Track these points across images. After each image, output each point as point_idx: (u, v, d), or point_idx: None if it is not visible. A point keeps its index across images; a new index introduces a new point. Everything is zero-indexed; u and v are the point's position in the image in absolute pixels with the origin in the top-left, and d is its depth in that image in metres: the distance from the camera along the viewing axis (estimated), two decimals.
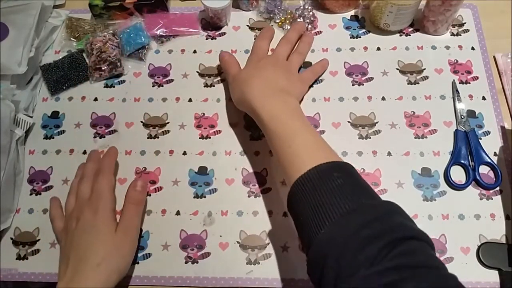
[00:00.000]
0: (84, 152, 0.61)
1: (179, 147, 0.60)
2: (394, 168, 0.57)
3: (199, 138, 0.61)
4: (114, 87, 0.66)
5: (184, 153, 0.60)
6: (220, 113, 0.62)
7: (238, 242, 0.54)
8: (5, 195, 0.56)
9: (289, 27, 0.67)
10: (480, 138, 0.58)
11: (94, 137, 0.62)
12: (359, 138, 0.59)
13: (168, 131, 0.62)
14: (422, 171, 0.57)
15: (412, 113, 0.60)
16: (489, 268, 0.51)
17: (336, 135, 0.60)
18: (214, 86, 0.65)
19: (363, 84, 0.63)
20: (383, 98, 0.62)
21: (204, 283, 0.52)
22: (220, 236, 0.55)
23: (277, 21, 0.69)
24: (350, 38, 0.67)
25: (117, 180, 0.59)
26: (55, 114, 0.64)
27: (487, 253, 0.51)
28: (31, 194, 0.59)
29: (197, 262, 0.53)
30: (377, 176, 0.57)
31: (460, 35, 0.66)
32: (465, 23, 0.67)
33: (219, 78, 0.65)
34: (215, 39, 0.69)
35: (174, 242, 0.55)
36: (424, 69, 0.63)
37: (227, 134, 0.61)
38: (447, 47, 0.65)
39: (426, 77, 0.63)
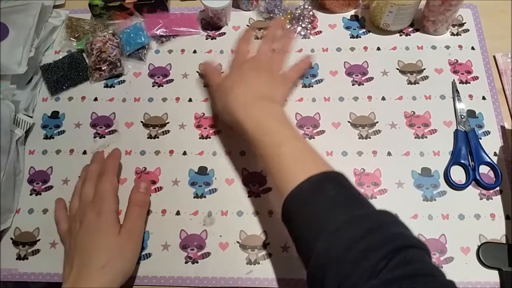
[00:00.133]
0: (84, 152, 0.61)
1: (179, 147, 0.60)
2: (394, 168, 0.57)
3: (199, 138, 0.61)
4: (114, 87, 0.66)
5: (184, 153, 0.60)
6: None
7: (238, 242, 0.54)
8: (5, 195, 0.56)
9: (289, 26, 0.67)
10: (480, 138, 0.58)
11: (94, 137, 0.62)
12: (359, 138, 0.59)
13: (168, 131, 0.62)
14: (422, 171, 0.57)
15: (412, 113, 0.60)
16: (489, 268, 0.51)
17: (336, 135, 0.60)
18: None
19: (363, 84, 0.63)
20: (383, 98, 0.62)
21: (204, 283, 0.52)
22: (220, 236, 0.55)
23: None
24: (350, 38, 0.67)
25: None
26: (55, 114, 0.64)
27: (487, 253, 0.51)
28: (31, 194, 0.59)
29: (197, 262, 0.53)
30: (377, 176, 0.57)
31: (460, 35, 0.66)
32: (465, 23, 0.66)
33: None
34: (215, 39, 0.69)
35: (174, 242, 0.55)
36: (424, 69, 0.63)
37: (227, 134, 0.61)
38: (447, 47, 0.65)
39: (426, 77, 0.63)
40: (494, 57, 0.63)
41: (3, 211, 0.55)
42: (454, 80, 0.62)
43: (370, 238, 0.37)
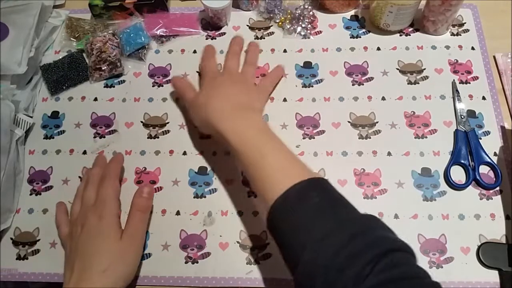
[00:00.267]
0: (84, 152, 0.61)
1: (179, 147, 0.60)
2: (394, 168, 0.57)
3: (199, 138, 0.61)
4: (114, 87, 0.66)
5: (184, 153, 0.60)
6: None
7: (238, 242, 0.54)
8: (5, 195, 0.56)
9: (289, 26, 0.67)
10: (480, 138, 0.58)
11: (94, 137, 0.62)
12: (359, 138, 0.59)
13: (168, 131, 0.62)
14: (422, 171, 0.57)
15: (412, 113, 0.60)
16: (489, 268, 0.51)
17: (336, 135, 0.60)
18: None
19: (363, 84, 0.63)
20: (383, 98, 0.62)
21: (204, 283, 0.52)
22: (220, 236, 0.55)
23: (277, 21, 0.69)
24: (350, 38, 0.67)
25: None
26: (55, 114, 0.64)
27: (487, 253, 0.51)
28: (31, 194, 0.59)
29: (197, 262, 0.53)
30: (377, 176, 0.57)
31: (460, 35, 0.66)
32: (465, 23, 0.66)
33: None
34: (215, 39, 0.69)
35: (174, 242, 0.55)
36: (424, 69, 0.63)
37: None
38: (447, 47, 0.65)
39: (426, 77, 0.63)
40: (494, 57, 0.63)
41: (3, 211, 0.55)
42: (454, 80, 0.62)
43: (355, 244, 0.37)
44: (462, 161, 0.56)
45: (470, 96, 0.61)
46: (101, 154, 0.60)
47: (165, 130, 0.62)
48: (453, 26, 0.66)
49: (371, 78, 0.63)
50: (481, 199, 0.55)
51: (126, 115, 0.63)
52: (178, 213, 0.56)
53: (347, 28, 0.68)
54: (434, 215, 0.54)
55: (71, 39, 0.68)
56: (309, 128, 0.60)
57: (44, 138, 0.63)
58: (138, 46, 0.66)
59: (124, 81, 0.66)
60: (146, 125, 0.62)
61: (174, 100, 0.64)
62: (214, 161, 0.59)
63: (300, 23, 0.67)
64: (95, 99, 0.65)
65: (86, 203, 0.52)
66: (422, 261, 0.51)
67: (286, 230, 0.42)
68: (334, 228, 0.39)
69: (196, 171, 0.59)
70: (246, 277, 0.52)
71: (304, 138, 0.60)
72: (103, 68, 0.65)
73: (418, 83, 0.62)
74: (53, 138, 0.63)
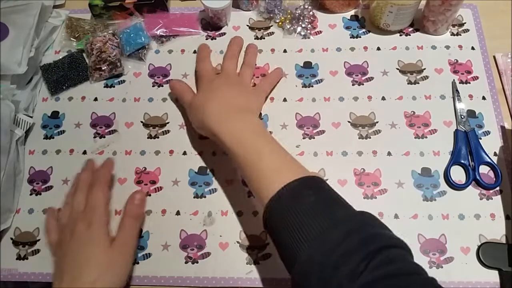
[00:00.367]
0: (84, 152, 0.61)
1: (179, 147, 0.60)
2: (394, 168, 0.57)
3: (199, 138, 0.61)
4: (114, 87, 0.66)
5: (184, 153, 0.60)
6: None
7: (238, 242, 0.54)
8: (5, 195, 0.56)
9: (289, 26, 0.67)
10: (480, 138, 0.58)
11: (94, 137, 0.62)
12: (359, 138, 0.59)
13: (168, 131, 0.62)
14: (422, 171, 0.57)
15: (412, 113, 0.60)
16: (489, 268, 0.51)
17: (336, 135, 0.60)
18: None
19: (363, 84, 0.63)
20: (383, 98, 0.62)
21: (204, 283, 0.52)
22: (220, 236, 0.55)
23: (277, 21, 0.69)
24: (350, 38, 0.67)
25: (117, 180, 0.59)
26: (55, 114, 0.64)
27: (487, 253, 0.51)
28: (31, 194, 0.59)
29: (197, 262, 0.53)
30: (377, 176, 0.57)
31: (460, 35, 0.66)
32: (465, 23, 0.67)
33: None
34: (215, 39, 0.69)
35: (174, 242, 0.55)
36: (424, 69, 0.63)
37: None
38: (447, 47, 0.65)
39: (426, 77, 0.63)
40: (494, 57, 0.63)
41: (3, 211, 0.55)
42: (454, 80, 0.62)
43: (350, 241, 0.38)
44: (462, 161, 0.56)
45: (470, 96, 0.61)
46: (91, 160, 0.59)
47: (165, 130, 0.62)
48: (453, 26, 0.66)
49: (371, 78, 0.63)
50: (481, 199, 0.55)
51: (126, 115, 0.63)
52: (178, 213, 0.56)
53: (347, 28, 0.68)
54: (434, 215, 0.54)
55: (71, 39, 0.68)
56: (309, 128, 0.60)
57: (44, 138, 0.63)
58: (138, 46, 0.66)
59: (124, 81, 0.66)
60: (146, 125, 0.62)
61: (174, 100, 0.64)
62: (214, 161, 0.59)
63: (300, 23, 0.67)
64: (95, 99, 0.65)
65: (76, 209, 0.51)
66: (422, 261, 0.51)
67: (282, 229, 0.42)
68: (330, 226, 0.39)
69: (196, 171, 0.59)
70: (246, 277, 0.52)
71: (304, 138, 0.60)
72: (103, 68, 0.65)
73: (418, 83, 0.62)
74: (53, 138, 0.63)
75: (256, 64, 0.65)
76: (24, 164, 0.61)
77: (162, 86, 0.65)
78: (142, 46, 0.66)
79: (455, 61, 0.63)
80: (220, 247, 0.54)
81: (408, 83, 0.62)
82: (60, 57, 0.67)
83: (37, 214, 0.58)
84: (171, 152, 0.60)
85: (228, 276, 0.53)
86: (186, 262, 0.54)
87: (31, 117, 0.64)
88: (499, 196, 0.55)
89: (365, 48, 0.66)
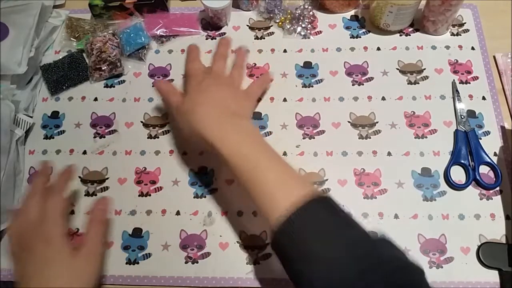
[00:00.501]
0: (84, 152, 0.61)
1: (179, 147, 0.60)
2: (394, 168, 0.57)
3: None
4: (114, 87, 0.66)
5: (184, 153, 0.60)
6: None
7: (238, 242, 0.54)
8: (5, 195, 0.56)
9: (289, 26, 0.67)
10: (480, 138, 0.58)
11: (94, 137, 0.62)
12: (359, 138, 0.59)
13: (168, 131, 0.62)
14: (422, 171, 0.57)
15: (412, 113, 0.60)
16: (489, 268, 0.51)
17: (336, 135, 0.60)
18: None
19: (363, 84, 0.63)
20: (383, 98, 0.62)
21: (204, 283, 0.52)
22: (220, 236, 0.55)
23: (277, 21, 0.69)
24: (350, 38, 0.67)
25: (117, 180, 0.59)
26: (55, 114, 0.64)
27: (487, 253, 0.51)
28: None
29: (197, 262, 0.53)
30: (377, 176, 0.57)
31: (460, 35, 0.66)
32: (465, 23, 0.67)
33: None
34: (215, 39, 0.69)
35: (174, 242, 0.55)
36: (424, 69, 0.63)
37: None
38: (447, 47, 0.65)
39: (426, 77, 0.63)
40: (494, 57, 0.63)
41: (3, 211, 0.55)
42: (454, 80, 0.62)
43: (365, 263, 0.37)
44: (462, 161, 0.56)
45: (470, 96, 0.61)
46: (46, 162, 0.55)
47: (165, 130, 0.62)
48: (453, 26, 0.66)
49: (371, 78, 0.63)
50: (481, 199, 0.55)
51: (126, 115, 0.63)
52: (178, 213, 0.56)
53: (347, 28, 0.68)
54: (434, 215, 0.54)
55: (71, 39, 0.68)
56: (309, 128, 0.60)
57: (44, 138, 0.63)
58: (138, 46, 0.66)
59: (124, 81, 0.66)
60: (146, 125, 0.62)
61: None
62: (214, 161, 0.59)
63: (300, 23, 0.67)
64: (95, 99, 0.65)
65: (30, 221, 0.47)
66: (422, 261, 0.51)
67: (293, 255, 0.40)
68: (343, 258, 0.38)
69: (196, 171, 0.59)
70: (246, 277, 0.52)
71: (304, 138, 0.60)
72: (103, 68, 0.65)
73: (418, 83, 0.62)
74: (53, 138, 0.63)
75: (256, 64, 0.65)
76: (24, 164, 0.61)
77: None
78: (142, 46, 0.66)
79: (455, 61, 0.63)
80: (220, 247, 0.54)
81: (408, 83, 0.62)
82: (60, 57, 0.67)
83: None
84: (171, 152, 0.60)
85: (228, 276, 0.53)
86: (186, 262, 0.54)
87: (31, 117, 0.64)
88: (499, 196, 0.55)
89: (365, 48, 0.66)
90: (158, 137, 0.61)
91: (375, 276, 0.36)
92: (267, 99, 0.63)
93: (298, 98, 0.63)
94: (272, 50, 0.67)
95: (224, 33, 0.69)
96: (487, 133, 0.58)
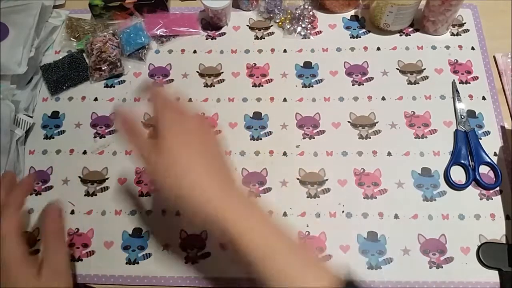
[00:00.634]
0: (84, 152, 0.61)
1: None
2: (394, 168, 0.57)
3: None
4: (114, 87, 0.66)
5: None
6: (220, 113, 0.62)
7: None
8: None
9: (289, 26, 0.67)
10: (480, 138, 0.58)
11: (94, 137, 0.62)
12: (359, 138, 0.59)
13: None
14: (422, 171, 0.57)
15: (412, 113, 0.60)
16: (489, 268, 0.51)
17: (336, 135, 0.60)
18: (214, 86, 0.65)
19: (363, 84, 0.63)
20: (383, 98, 0.62)
21: (204, 283, 0.52)
22: None
23: (277, 21, 0.69)
24: (350, 38, 0.67)
25: (117, 180, 0.59)
26: (55, 114, 0.64)
27: (487, 253, 0.51)
28: (31, 194, 0.59)
29: (197, 262, 0.53)
30: (377, 176, 0.57)
31: (460, 35, 0.66)
32: (465, 23, 0.66)
33: (219, 78, 0.65)
34: (215, 39, 0.69)
35: (174, 242, 0.55)
36: (424, 69, 0.63)
37: (227, 134, 0.61)
38: (447, 47, 0.65)
39: (426, 77, 0.63)
40: (494, 57, 0.63)
41: None
42: (454, 80, 0.62)
43: None
44: (462, 161, 0.56)
45: (470, 96, 0.61)
46: (10, 172, 0.52)
47: None
48: (453, 26, 0.66)
49: (371, 78, 0.63)
50: (481, 199, 0.55)
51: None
52: (178, 213, 0.56)
53: (347, 28, 0.68)
54: (434, 215, 0.54)
55: (71, 39, 0.68)
56: (309, 128, 0.60)
57: (44, 138, 0.63)
58: (138, 46, 0.66)
59: (124, 81, 0.66)
60: (146, 125, 0.62)
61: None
62: None
63: (300, 23, 0.67)
64: (95, 99, 0.65)
65: None
66: (422, 261, 0.51)
67: None
68: None
69: None
70: (247, 277, 0.52)
71: (304, 138, 0.60)
72: (103, 68, 0.65)
73: (418, 83, 0.62)
74: (53, 138, 0.63)
75: (256, 64, 0.65)
76: (24, 164, 0.61)
77: (162, 86, 0.65)
78: (142, 46, 0.66)
79: (455, 61, 0.63)
80: (220, 247, 0.54)
81: (408, 83, 0.62)
82: (60, 57, 0.67)
83: (37, 214, 0.57)
84: None
85: (228, 276, 0.52)
86: (186, 262, 0.53)
87: (31, 117, 0.63)
88: (499, 196, 0.55)
89: (365, 48, 0.66)
90: None
91: None
92: (267, 99, 0.63)
93: (298, 98, 0.62)
94: (272, 50, 0.67)
95: (224, 33, 0.69)
96: (487, 133, 0.58)
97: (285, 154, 0.59)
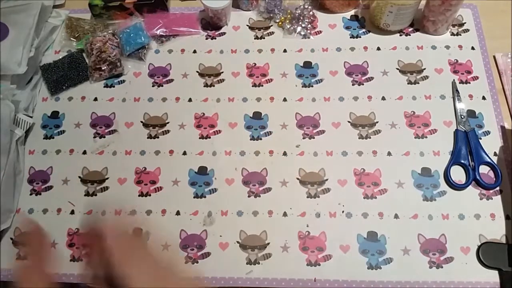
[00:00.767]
0: (84, 152, 0.61)
1: (179, 147, 0.60)
2: (394, 168, 0.57)
3: (199, 138, 0.61)
4: (114, 87, 0.66)
5: (184, 153, 0.60)
6: (220, 113, 0.62)
7: (238, 242, 0.54)
8: (5, 195, 0.56)
9: (289, 26, 0.67)
10: (480, 138, 0.58)
11: (94, 137, 0.62)
12: (359, 138, 0.59)
13: (168, 131, 0.62)
14: (422, 171, 0.57)
15: (412, 113, 0.60)
16: (489, 268, 0.51)
17: (336, 135, 0.59)
18: (214, 86, 0.65)
19: (363, 84, 0.63)
20: (383, 98, 0.62)
21: (204, 283, 0.52)
22: (220, 236, 0.55)
23: (277, 21, 0.68)
24: (350, 38, 0.67)
25: (117, 180, 0.59)
26: (55, 114, 0.64)
27: (487, 253, 0.51)
28: (31, 194, 0.59)
29: (197, 262, 0.53)
30: (377, 176, 0.57)
31: (460, 35, 0.66)
32: (465, 23, 0.66)
33: (219, 78, 0.65)
34: (215, 39, 0.69)
35: (174, 242, 0.55)
36: (424, 69, 0.63)
37: (227, 134, 0.61)
38: (447, 47, 0.65)
39: (426, 77, 0.63)
40: (494, 57, 0.63)
41: (3, 211, 0.55)
42: (454, 80, 0.62)
43: None
44: (462, 161, 0.56)
45: (470, 96, 0.61)
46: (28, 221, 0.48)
47: (165, 130, 0.62)
48: (453, 26, 0.66)
49: (371, 78, 0.63)
50: (481, 199, 0.55)
51: (126, 115, 0.63)
52: (178, 213, 0.56)
53: (347, 28, 0.68)
54: (434, 215, 0.54)
55: (71, 39, 0.68)
56: (309, 128, 0.60)
57: (44, 138, 0.63)
58: (138, 46, 0.66)
59: (124, 81, 0.66)
60: (146, 125, 0.62)
61: (174, 100, 0.64)
62: (214, 161, 0.59)
63: (300, 23, 0.67)
64: (95, 99, 0.65)
65: None
66: (422, 261, 0.51)
67: None
68: None
69: (196, 171, 0.59)
70: (246, 277, 0.52)
71: (304, 138, 0.60)
72: (103, 68, 0.65)
73: (418, 83, 0.62)
74: (53, 138, 0.63)
75: (256, 64, 0.65)
76: (24, 164, 0.61)
77: (162, 86, 0.65)
78: (142, 46, 0.66)
79: (455, 61, 0.63)
80: (220, 247, 0.54)
81: (408, 83, 0.62)
82: (60, 57, 0.67)
83: (37, 214, 0.57)
84: (171, 152, 0.60)
85: (228, 276, 0.53)
86: (186, 262, 0.53)
87: (31, 117, 0.63)
88: (499, 196, 0.55)
89: (365, 48, 0.66)
90: (158, 137, 0.61)
91: None
92: (267, 99, 0.63)
93: (298, 98, 0.62)
94: (272, 50, 0.67)
95: (224, 33, 0.69)
96: (487, 133, 0.58)
97: (285, 154, 0.59)
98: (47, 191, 0.59)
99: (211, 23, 0.69)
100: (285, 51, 0.66)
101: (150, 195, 0.58)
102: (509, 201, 0.54)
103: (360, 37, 0.67)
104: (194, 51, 0.67)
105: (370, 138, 0.59)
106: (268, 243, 0.54)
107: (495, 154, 0.57)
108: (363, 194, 0.56)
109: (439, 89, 0.62)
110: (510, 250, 0.51)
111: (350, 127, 0.60)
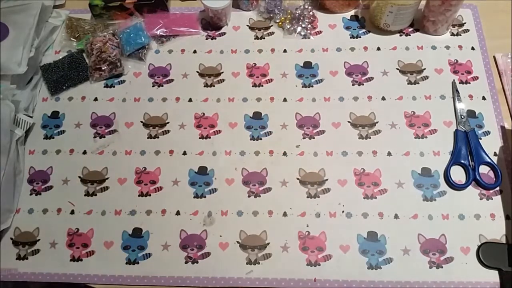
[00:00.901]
0: (84, 152, 0.61)
1: (179, 147, 0.60)
2: (394, 168, 0.57)
3: (199, 138, 0.61)
4: (114, 87, 0.66)
5: (184, 153, 0.60)
6: (220, 113, 0.62)
7: (238, 242, 0.54)
8: (5, 195, 0.56)
9: (289, 26, 0.67)
10: (480, 138, 0.58)
11: (94, 137, 0.62)
12: (359, 138, 0.59)
13: (168, 131, 0.62)
14: (422, 171, 0.57)
15: (412, 113, 0.60)
16: (489, 268, 0.51)
17: (336, 135, 0.60)
18: (214, 86, 0.65)
19: (363, 84, 0.63)
20: (383, 98, 0.62)
21: (204, 283, 0.52)
22: (220, 236, 0.55)
23: (277, 21, 0.69)
24: (350, 38, 0.67)
25: (117, 180, 0.59)
26: (55, 114, 0.64)
27: (487, 253, 0.51)
28: (31, 194, 0.59)
29: (197, 262, 0.53)
30: (377, 176, 0.57)
31: (460, 35, 0.66)
32: (465, 23, 0.67)
33: (219, 78, 0.65)
34: (215, 39, 0.69)
35: (174, 242, 0.55)
36: (424, 69, 0.63)
37: (227, 134, 0.61)
38: (447, 47, 0.65)
39: (426, 77, 0.63)
40: (494, 57, 0.63)
41: (3, 211, 0.55)
42: (454, 80, 0.62)
43: None
44: (462, 161, 0.56)
45: (470, 96, 0.61)
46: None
47: (165, 130, 0.62)
48: (453, 26, 0.66)
49: (371, 78, 0.63)
50: (481, 199, 0.55)
51: (126, 115, 0.63)
52: (178, 213, 0.56)
53: (347, 28, 0.68)
54: (434, 215, 0.54)
55: (71, 39, 0.68)
56: (309, 128, 0.60)
57: (44, 138, 0.63)
58: (138, 46, 0.66)
59: (124, 81, 0.66)
60: (146, 125, 0.62)
61: (174, 100, 0.64)
62: (214, 161, 0.59)
63: (300, 23, 0.67)
64: (95, 99, 0.65)
65: None
66: (422, 261, 0.51)
67: None
68: None
69: (196, 171, 0.59)
70: (246, 277, 0.52)
71: (304, 138, 0.60)
72: (103, 68, 0.65)
73: (418, 83, 0.62)
74: (53, 138, 0.63)
75: (256, 64, 0.65)
76: (24, 164, 0.61)
77: (162, 86, 0.65)
78: (142, 46, 0.66)
79: (455, 61, 0.63)
80: (220, 247, 0.54)
81: (408, 83, 0.62)
82: (60, 57, 0.67)
83: (37, 214, 0.57)
84: (171, 152, 0.60)
85: (228, 276, 0.52)
86: (186, 262, 0.53)
87: (31, 117, 0.64)
88: (499, 196, 0.55)
89: (365, 48, 0.66)
90: (158, 137, 0.61)
91: None
92: (267, 99, 0.63)
93: (298, 98, 0.63)
94: (272, 50, 0.67)
95: (224, 33, 0.69)
96: (487, 133, 0.58)
97: (285, 154, 0.59)
98: (47, 191, 0.59)
99: (211, 23, 0.69)
100: (285, 51, 0.66)
101: (150, 195, 0.58)
102: (509, 201, 0.54)
103: (360, 37, 0.67)
104: (194, 51, 0.68)
105: (370, 138, 0.59)
106: (268, 243, 0.54)
107: (495, 154, 0.57)
108: (363, 194, 0.56)
109: (439, 89, 0.62)
110: (510, 250, 0.51)
111: (350, 127, 0.60)
